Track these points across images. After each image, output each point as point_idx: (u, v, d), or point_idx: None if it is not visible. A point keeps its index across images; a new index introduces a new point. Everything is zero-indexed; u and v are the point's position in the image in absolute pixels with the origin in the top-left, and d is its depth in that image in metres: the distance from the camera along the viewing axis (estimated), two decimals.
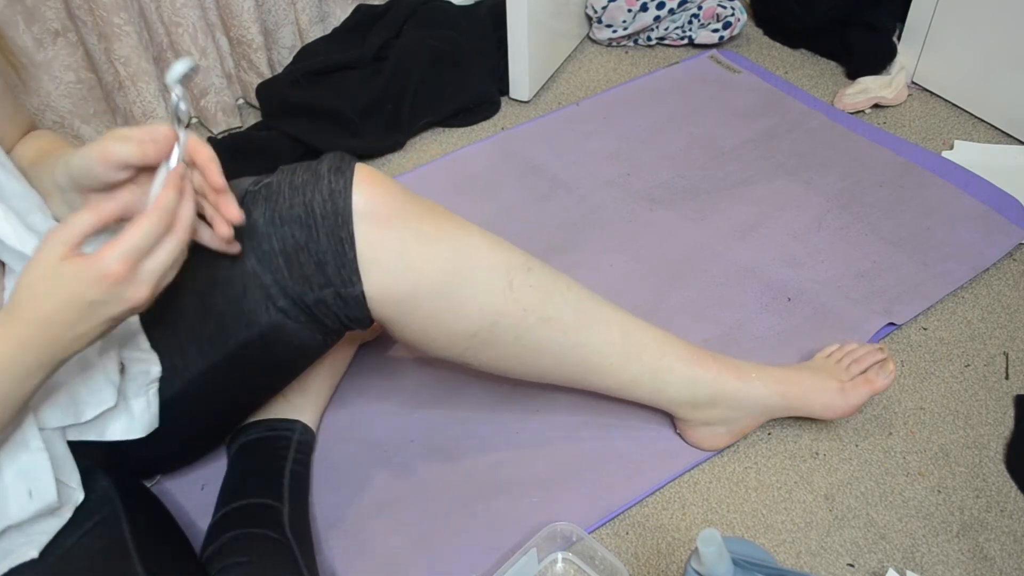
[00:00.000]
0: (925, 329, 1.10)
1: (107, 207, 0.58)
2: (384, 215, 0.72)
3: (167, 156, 0.62)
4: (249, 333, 0.73)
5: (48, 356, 0.57)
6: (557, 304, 0.81)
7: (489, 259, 0.77)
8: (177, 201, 0.59)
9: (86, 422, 0.68)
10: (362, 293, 0.72)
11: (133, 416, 0.72)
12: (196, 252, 0.67)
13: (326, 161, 0.73)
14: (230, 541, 0.78)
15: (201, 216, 0.67)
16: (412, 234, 0.73)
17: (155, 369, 0.73)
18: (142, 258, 0.57)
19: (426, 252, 0.73)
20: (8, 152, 0.74)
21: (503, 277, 0.77)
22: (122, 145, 0.61)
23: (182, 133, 0.62)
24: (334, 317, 0.74)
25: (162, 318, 0.73)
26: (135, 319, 0.72)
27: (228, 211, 0.65)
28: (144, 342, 0.73)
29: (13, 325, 0.55)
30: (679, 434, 0.97)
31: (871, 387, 0.92)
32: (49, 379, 0.59)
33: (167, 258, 0.59)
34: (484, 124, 1.45)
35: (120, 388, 0.70)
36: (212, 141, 1.37)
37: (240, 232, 0.70)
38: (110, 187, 0.64)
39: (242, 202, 0.71)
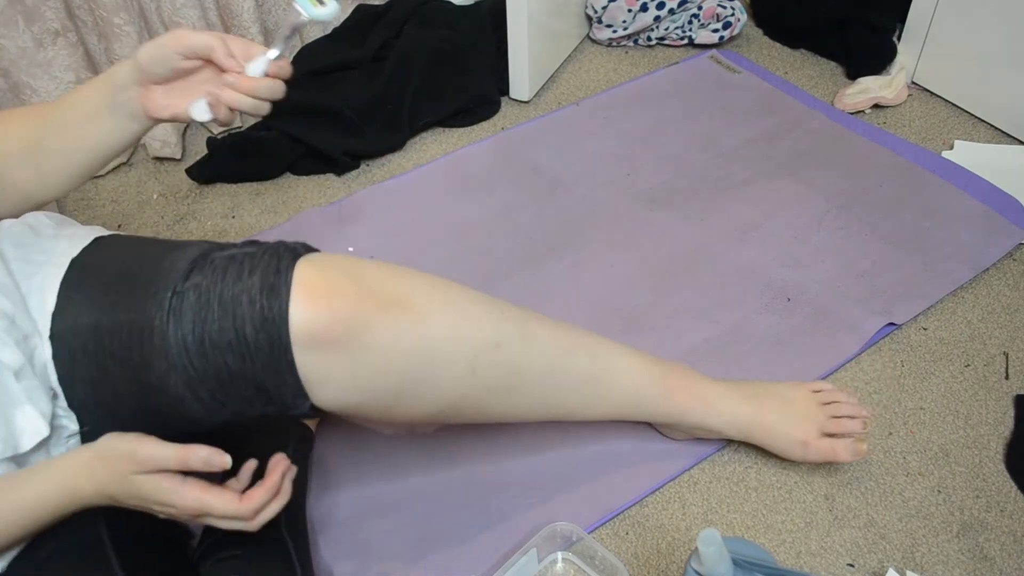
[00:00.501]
0: (925, 329, 1.10)
1: (195, 455, 0.63)
2: (328, 337, 0.65)
3: (247, 59, 0.70)
4: (198, 429, 0.70)
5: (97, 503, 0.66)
6: (525, 375, 0.78)
7: (452, 349, 0.71)
8: (267, 500, 0.66)
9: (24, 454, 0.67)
10: (310, 407, 0.68)
11: None
12: (118, 357, 0.67)
13: (259, 272, 0.65)
14: (224, 536, 0.78)
15: None
16: (362, 350, 0.66)
17: (73, 427, 0.71)
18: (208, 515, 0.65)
19: (380, 366, 0.68)
20: None
21: (466, 363, 0.72)
22: (199, 33, 0.70)
23: (280, 44, 0.72)
24: (285, 418, 0.73)
25: (97, 405, 0.70)
26: (54, 379, 0.69)
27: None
28: (63, 401, 0.70)
29: (74, 485, 0.64)
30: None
31: (833, 457, 0.89)
32: None
33: (225, 526, 0.66)
34: (484, 124, 1.45)
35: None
36: (212, 141, 1.37)
37: (169, 346, 0.65)
38: (175, 76, 0.71)
39: (169, 303, 0.65)
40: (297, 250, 0.69)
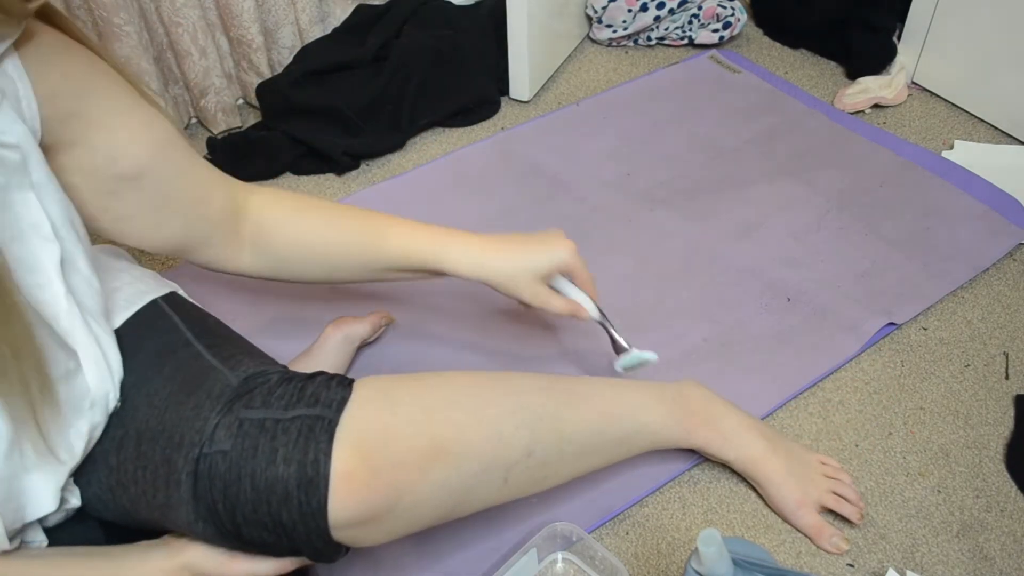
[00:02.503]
0: (925, 329, 1.10)
1: (289, 565, 0.67)
2: (368, 518, 0.65)
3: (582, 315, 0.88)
4: None
5: None
6: (553, 466, 0.78)
7: (488, 476, 0.72)
8: None
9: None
10: (346, 551, 0.69)
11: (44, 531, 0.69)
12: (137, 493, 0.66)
13: (295, 463, 0.63)
14: None
15: None
16: (402, 511, 0.67)
17: (74, 501, 0.69)
18: None
19: (419, 515, 0.69)
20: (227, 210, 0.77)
21: (500, 480, 0.73)
22: (557, 301, 0.86)
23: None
24: None
25: (112, 501, 0.70)
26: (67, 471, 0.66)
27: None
28: (75, 499, 0.69)
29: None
30: None
31: (816, 534, 0.88)
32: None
33: None
34: (484, 124, 1.45)
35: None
36: (212, 141, 1.37)
37: (199, 503, 0.64)
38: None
39: (196, 464, 0.64)
40: (331, 419, 0.65)
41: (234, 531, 0.65)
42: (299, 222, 0.81)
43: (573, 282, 0.89)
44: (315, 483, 0.63)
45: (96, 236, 0.71)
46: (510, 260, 0.82)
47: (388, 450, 0.65)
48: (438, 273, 0.83)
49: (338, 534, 0.65)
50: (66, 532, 0.69)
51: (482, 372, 0.77)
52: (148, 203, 0.72)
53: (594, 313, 0.90)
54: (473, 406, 0.71)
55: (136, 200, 0.71)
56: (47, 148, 0.63)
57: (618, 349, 0.93)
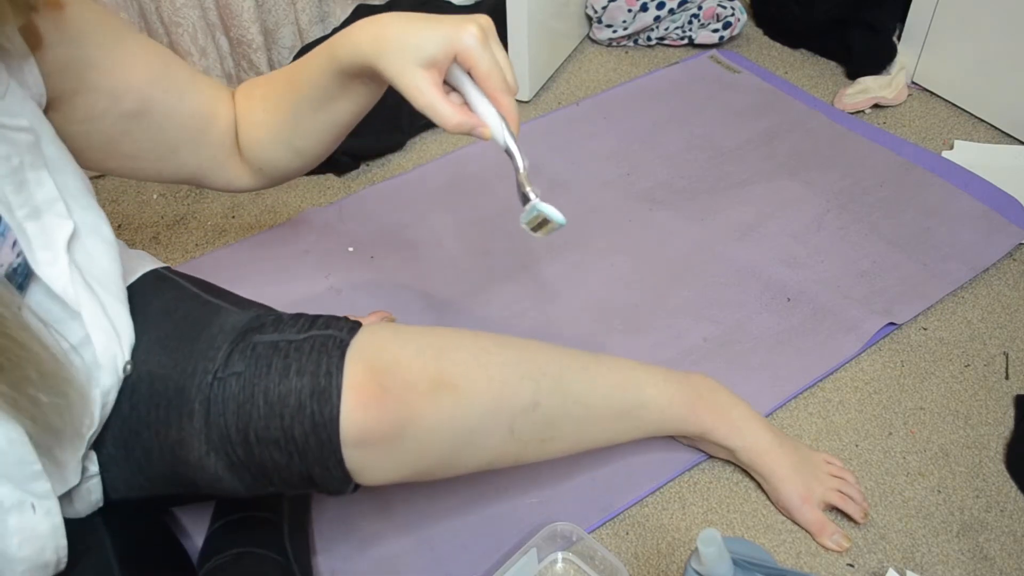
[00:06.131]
0: (925, 329, 1.10)
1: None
2: (378, 436, 0.65)
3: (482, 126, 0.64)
4: (231, 497, 0.73)
5: None
6: (561, 426, 0.79)
7: (493, 420, 0.73)
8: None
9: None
10: (354, 487, 0.70)
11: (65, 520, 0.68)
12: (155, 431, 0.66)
13: (308, 375, 0.64)
14: (231, 560, 0.78)
15: None
16: (411, 439, 0.67)
17: (92, 468, 0.69)
18: None
19: (426, 448, 0.69)
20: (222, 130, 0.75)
21: (506, 427, 0.74)
22: (445, 107, 0.61)
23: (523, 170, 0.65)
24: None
25: (125, 459, 0.70)
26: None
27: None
28: (93, 465, 0.69)
29: None
30: None
31: (818, 530, 0.88)
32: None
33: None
34: None
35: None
36: None
37: (211, 432, 0.65)
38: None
39: (210, 388, 0.64)
40: (343, 339, 0.67)
41: (246, 458, 0.65)
42: (249, 123, 0.76)
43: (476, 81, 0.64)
44: (327, 393, 0.63)
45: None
46: (392, 36, 0.62)
47: (398, 372, 0.67)
48: (353, 72, 0.67)
49: (349, 453, 0.65)
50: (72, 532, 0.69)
51: (488, 333, 0.78)
52: (157, 135, 0.72)
53: (498, 135, 0.64)
54: (478, 353, 0.73)
55: (146, 135, 0.71)
56: (54, 103, 0.64)
57: (524, 197, 0.67)
